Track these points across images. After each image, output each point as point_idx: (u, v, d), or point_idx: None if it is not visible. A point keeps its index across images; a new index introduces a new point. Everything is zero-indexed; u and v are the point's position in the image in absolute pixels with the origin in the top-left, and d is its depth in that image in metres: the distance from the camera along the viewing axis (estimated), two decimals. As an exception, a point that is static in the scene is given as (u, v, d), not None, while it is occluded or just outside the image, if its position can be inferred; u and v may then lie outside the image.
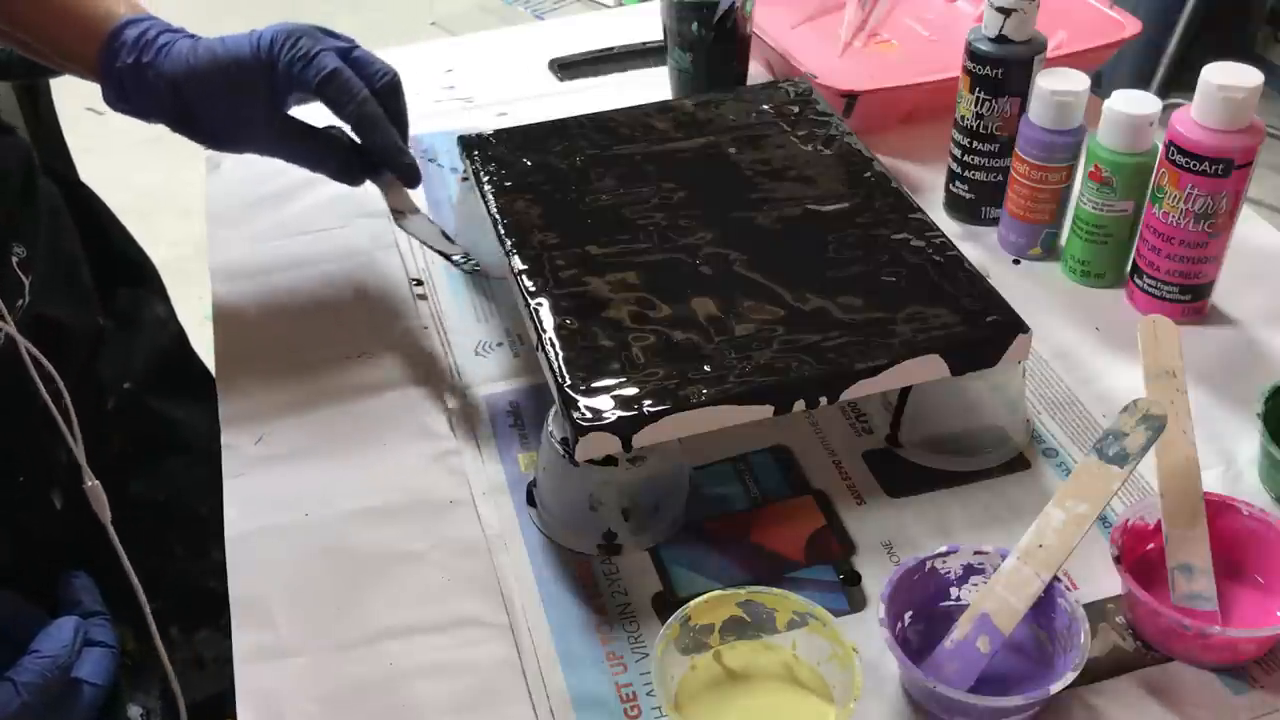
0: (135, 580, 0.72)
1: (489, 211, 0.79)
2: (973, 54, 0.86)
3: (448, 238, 0.84)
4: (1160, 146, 0.78)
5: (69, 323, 0.86)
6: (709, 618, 0.60)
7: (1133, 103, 0.79)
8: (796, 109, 0.88)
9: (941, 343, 0.67)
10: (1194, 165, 0.75)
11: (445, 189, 0.98)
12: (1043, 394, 0.77)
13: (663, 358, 0.67)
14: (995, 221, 0.91)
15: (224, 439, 0.76)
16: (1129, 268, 0.84)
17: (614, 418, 0.63)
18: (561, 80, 1.14)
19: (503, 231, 0.77)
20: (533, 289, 0.72)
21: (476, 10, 3.30)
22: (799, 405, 0.66)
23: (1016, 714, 0.58)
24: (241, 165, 0.94)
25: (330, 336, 0.84)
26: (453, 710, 0.61)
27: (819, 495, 0.71)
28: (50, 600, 0.81)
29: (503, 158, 0.84)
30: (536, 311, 0.70)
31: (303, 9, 2.23)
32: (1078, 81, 0.82)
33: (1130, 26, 1.02)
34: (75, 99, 1.32)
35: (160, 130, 0.81)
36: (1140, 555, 0.65)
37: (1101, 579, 0.64)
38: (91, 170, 1.14)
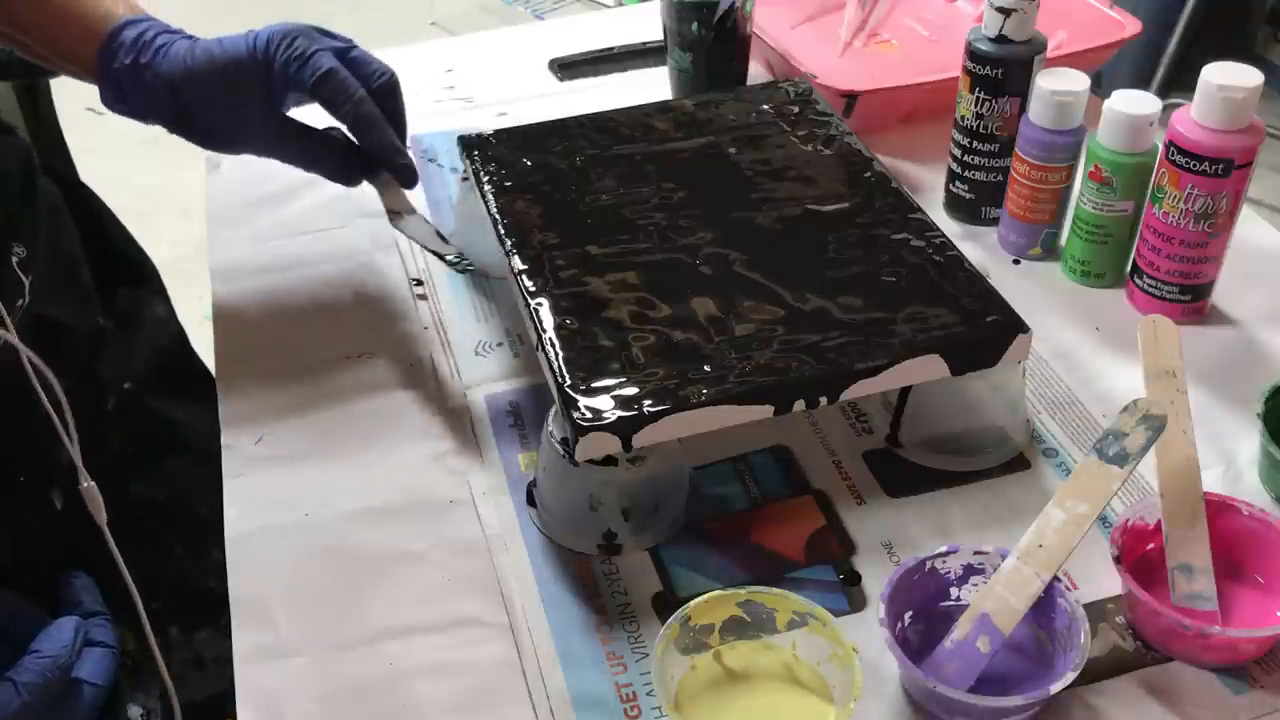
0: (130, 581, 0.72)
1: (489, 211, 0.79)
2: (973, 54, 0.86)
3: (443, 238, 0.84)
4: (1160, 146, 0.78)
5: (69, 323, 0.86)
6: (709, 618, 0.60)
7: (1133, 103, 0.79)
8: (796, 109, 0.88)
9: (941, 343, 0.67)
10: (1194, 165, 0.75)
11: (445, 189, 0.98)
12: (1043, 394, 0.77)
13: (663, 358, 0.67)
14: (995, 221, 0.91)
15: (224, 439, 0.76)
16: (1129, 268, 0.84)
17: (614, 418, 0.63)
18: (561, 80, 1.14)
19: (503, 231, 0.77)
20: (533, 289, 0.72)
21: (476, 10, 3.30)
22: (799, 405, 0.66)
23: (1016, 714, 0.58)
24: (241, 166, 0.94)
25: (330, 337, 0.84)
26: (453, 710, 0.61)
27: (819, 495, 0.71)
28: (50, 600, 0.81)
29: (503, 158, 0.84)
30: (536, 311, 0.70)
31: (302, 9, 2.23)
32: (1078, 81, 0.82)
33: (1130, 26, 1.02)
34: (75, 99, 1.32)
35: (160, 131, 0.81)
36: (1140, 555, 0.65)
37: (1101, 579, 0.64)
38: (91, 170, 1.14)
